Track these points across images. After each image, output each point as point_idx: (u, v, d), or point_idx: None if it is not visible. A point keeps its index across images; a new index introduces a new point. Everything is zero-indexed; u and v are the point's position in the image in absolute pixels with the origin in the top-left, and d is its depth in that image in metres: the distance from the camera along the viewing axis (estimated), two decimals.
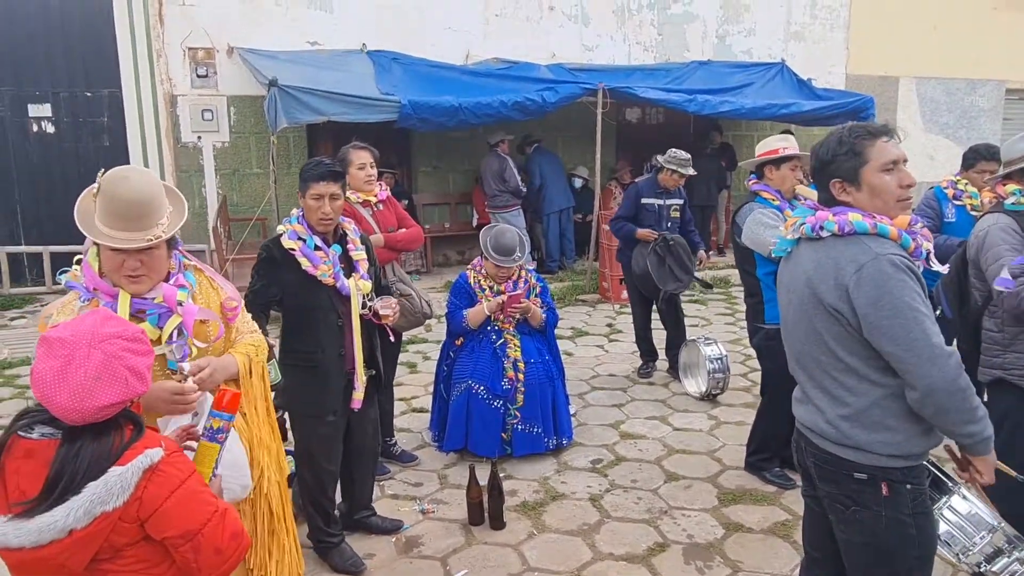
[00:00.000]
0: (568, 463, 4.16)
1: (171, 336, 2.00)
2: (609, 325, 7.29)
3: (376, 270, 3.23)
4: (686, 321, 5.78)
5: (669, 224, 5.45)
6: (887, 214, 1.87)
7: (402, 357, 6.19)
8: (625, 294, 6.36)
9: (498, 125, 8.38)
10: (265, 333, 2.55)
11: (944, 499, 2.01)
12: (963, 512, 1.99)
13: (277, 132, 7.15)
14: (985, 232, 2.74)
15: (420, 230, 4.08)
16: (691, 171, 5.48)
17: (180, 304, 2.01)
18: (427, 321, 4.14)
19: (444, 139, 9.29)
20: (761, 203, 3.67)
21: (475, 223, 9.62)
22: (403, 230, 3.94)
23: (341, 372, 3.01)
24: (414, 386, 5.53)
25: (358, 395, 3.05)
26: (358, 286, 2.99)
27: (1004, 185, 2.85)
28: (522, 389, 4.10)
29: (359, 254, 3.07)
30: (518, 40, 9.59)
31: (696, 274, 5.61)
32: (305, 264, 2.90)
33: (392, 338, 3.21)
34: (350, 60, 8.53)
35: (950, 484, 2.03)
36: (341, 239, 3.07)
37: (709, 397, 5.06)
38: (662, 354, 5.73)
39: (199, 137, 8.57)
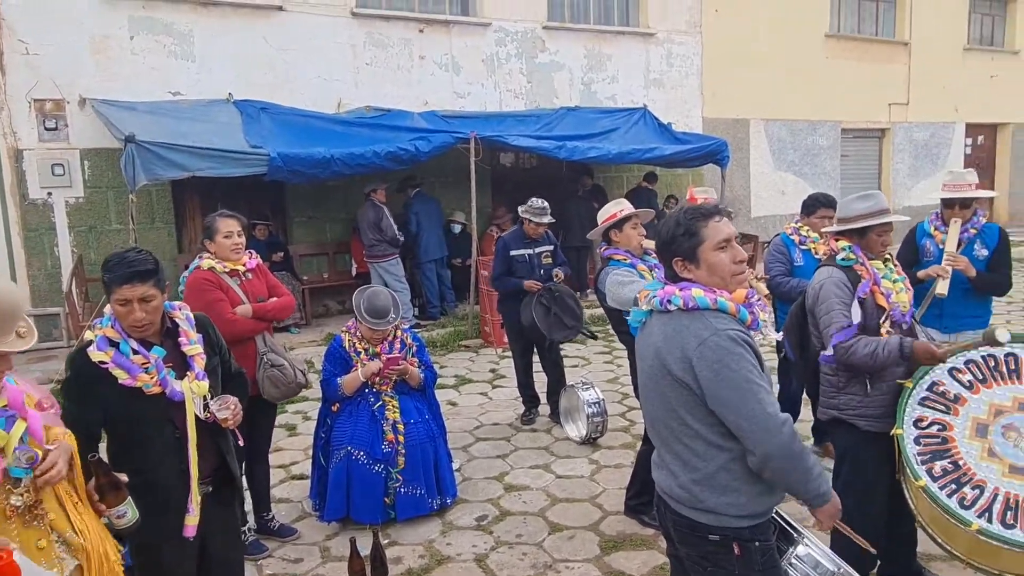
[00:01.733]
0: (453, 523, 4.14)
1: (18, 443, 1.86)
2: (492, 371, 7.36)
3: (221, 356, 2.79)
4: (566, 361, 5.93)
5: (543, 271, 5.59)
6: (725, 288, 2.03)
7: (281, 419, 6.00)
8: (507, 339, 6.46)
9: (372, 175, 8.37)
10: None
11: (791, 549, 2.18)
12: (807, 561, 2.16)
13: (136, 190, 6.81)
14: (820, 285, 3.00)
15: (291, 299, 3.99)
16: (547, 219, 5.58)
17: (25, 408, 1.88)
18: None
19: (319, 188, 9.16)
20: (615, 265, 3.90)
21: (354, 273, 9.49)
22: (274, 299, 3.85)
23: (185, 490, 2.51)
24: (293, 450, 5.35)
25: (191, 520, 2.51)
26: (193, 389, 2.50)
27: (836, 240, 3.13)
28: (403, 451, 4.07)
29: (193, 348, 2.57)
30: (390, 88, 9.66)
31: (584, 324, 5.71)
32: (122, 376, 2.41)
33: (241, 442, 2.87)
34: (215, 110, 8.29)
35: (795, 534, 2.20)
36: (169, 333, 2.57)
37: (590, 441, 5.20)
38: (545, 398, 5.84)
39: (49, 193, 8.02)
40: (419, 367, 4.27)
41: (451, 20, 10.16)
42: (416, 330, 8.69)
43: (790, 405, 4.80)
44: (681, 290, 2.01)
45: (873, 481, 3.03)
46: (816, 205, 4.54)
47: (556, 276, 5.55)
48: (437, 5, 10.22)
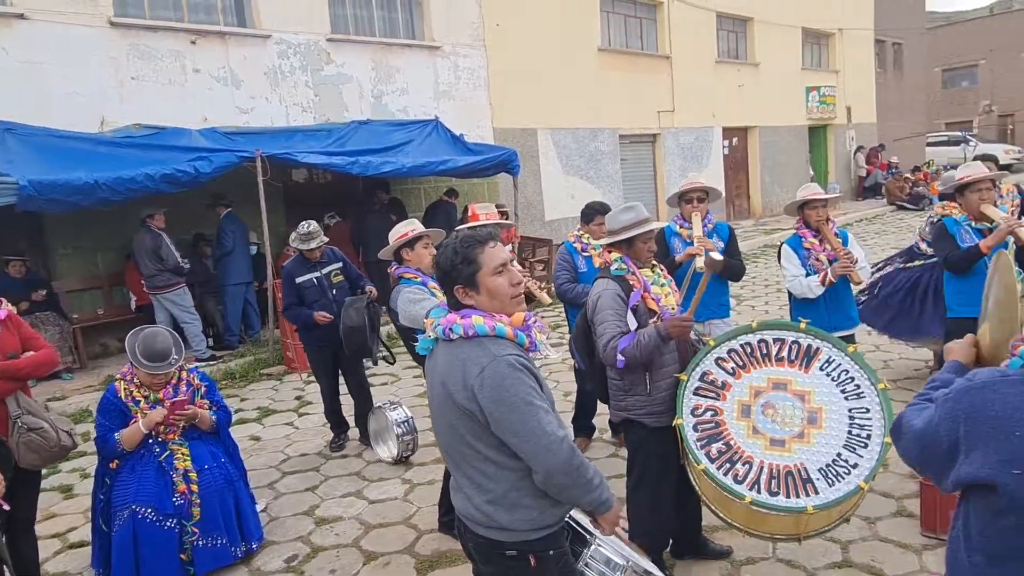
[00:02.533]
0: (260, 568, 3.91)
1: None
2: (298, 398, 7.06)
3: None
4: (375, 380, 5.80)
5: (335, 292, 5.44)
6: (505, 312, 2.09)
7: (54, 479, 5.34)
8: (311, 365, 6.20)
9: (148, 199, 7.67)
10: None
11: (585, 551, 2.30)
12: (599, 558, 2.30)
13: None
14: (597, 296, 3.20)
15: (51, 352, 3.50)
16: (313, 243, 5.35)
17: None
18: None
19: (84, 215, 8.23)
20: (406, 283, 3.92)
21: (134, 306, 8.66)
22: (29, 354, 3.38)
23: None
24: (71, 515, 4.77)
25: None
26: None
27: (610, 252, 3.36)
28: (197, 501, 3.76)
29: None
30: (162, 104, 8.92)
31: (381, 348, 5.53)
32: None
33: (7, 507, 2.47)
34: None
35: (588, 536, 2.33)
36: None
37: (402, 460, 5.15)
38: (353, 422, 5.70)
39: None
40: (210, 408, 3.98)
41: (226, 31, 9.61)
42: (212, 362, 8.22)
43: (589, 406, 5.09)
44: (462, 318, 2.04)
45: (663, 472, 3.29)
46: (592, 213, 4.83)
47: (370, 293, 5.44)
48: (210, 15, 9.62)
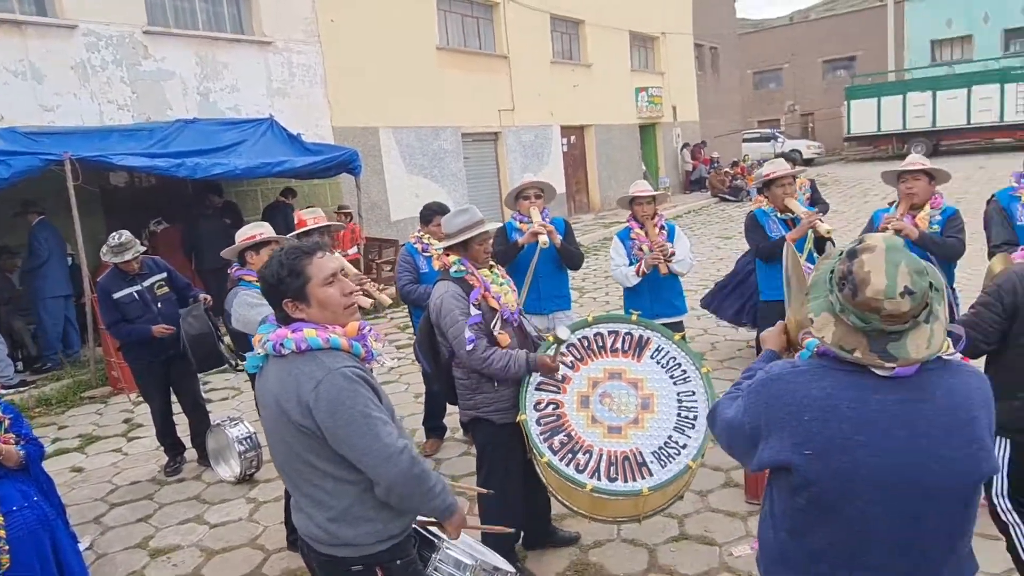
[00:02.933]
0: None
1: None
2: (127, 421, 6.52)
3: None
4: (215, 395, 5.47)
5: (160, 305, 5.05)
6: (338, 323, 2.05)
7: None
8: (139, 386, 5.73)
9: None
10: None
11: (434, 555, 2.31)
12: (449, 562, 2.32)
13: None
14: (440, 299, 3.22)
15: None
16: (128, 255, 4.92)
17: None
18: None
19: None
20: (245, 286, 3.76)
21: None
22: None
23: None
24: None
25: None
26: None
27: (448, 255, 3.38)
28: (6, 548, 3.37)
29: None
30: None
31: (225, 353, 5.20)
32: None
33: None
34: None
35: (436, 540, 2.34)
36: None
37: (246, 478, 4.91)
38: (190, 443, 5.35)
39: None
40: (16, 443, 3.57)
41: (23, 20, 8.63)
42: (22, 388, 7.39)
43: (438, 407, 5.11)
44: (293, 332, 1.98)
45: (510, 467, 3.37)
46: (431, 214, 4.84)
47: (206, 301, 5.10)
48: (3, 2, 8.60)
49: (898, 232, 3.91)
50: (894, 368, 1.49)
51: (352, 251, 10.19)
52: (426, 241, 4.86)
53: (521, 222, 4.68)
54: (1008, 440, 2.73)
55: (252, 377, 3.73)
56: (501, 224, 4.53)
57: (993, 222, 3.94)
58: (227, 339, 4.72)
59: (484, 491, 3.07)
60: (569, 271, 4.82)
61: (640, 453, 3.17)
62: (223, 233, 9.53)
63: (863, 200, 17.05)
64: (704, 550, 3.60)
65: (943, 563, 1.57)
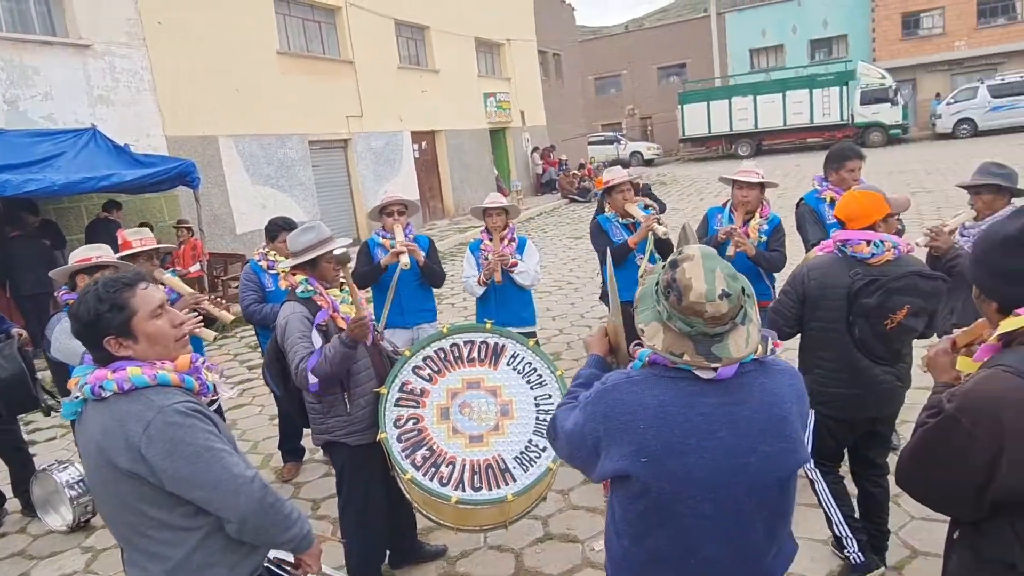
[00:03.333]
0: None
1: None
2: None
3: None
4: (39, 436, 4.93)
5: None
6: (169, 356, 1.90)
7: None
8: None
9: None
10: None
11: None
12: None
13: None
14: (285, 320, 3.08)
15: None
16: None
17: None
18: None
19: None
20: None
21: None
22: None
23: None
24: None
25: None
26: None
27: (294, 274, 3.24)
28: None
29: None
30: None
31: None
32: None
33: None
34: None
35: (291, 573, 2.23)
36: None
37: (81, 525, 4.47)
38: (12, 492, 4.81)
39: None
40: None
41: None
42: None
43: (294, 429, 4.91)
44: (114, 372, 1.82)
45: (372, 489, 3.29)
46: (277, 230, 4.64)
47: (20, 336, 4.56)
48: None
49: (738, 247, 4.23)
50: (718, 369, 1.60)
51: (194, 268, 9.59)
52: (271, 258, 4.65)
53: (384, 238, 4.61)
54: (812, 410, 3.08)
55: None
56: (356, 236, 4.43)
57: (807, 222, 4.35)
58: (46, 374, 4.28)
59: (337, 540, 2.96)
60: None
61: (503, 460, 3.20)
62: (42, 255, 8.67)
63: (699, 198, 18.26)
64: (568, 548, 3.70)
65: (767, 548, 1.70)
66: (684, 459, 1.60)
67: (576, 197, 21.32)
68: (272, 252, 4.65)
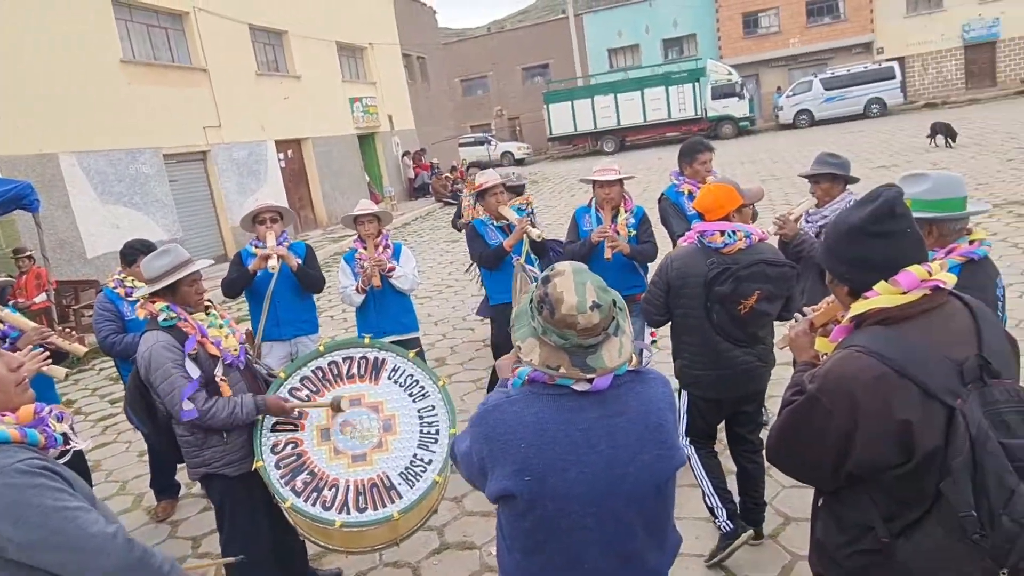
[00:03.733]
0: None
1: None
2: None
3: None
4: None
5: None
6: (9, 407, 1.73)
7: None
8: None
9: None
10: None
11: None
12: None
13: None
14: (149, 352, 2.87)
15: None
16: None
17: None
18: None
19: None
20: None
21: None
22: None
23: None
24: None
25: None
26: None
27: (153, 303, 3.02)
28: None
29: None
30: None
31: None
32: None
33: None
34: None
35: None
36: None
37: None
38: None
39: None
40: None
41: None
42: None
43: (167, 465, 4.60)
44: None
45: (256, 519, 3.14)
46: (135, 254, 4.32)
47: None
48: None
49: (613, 249, 4.34)
50: (593, 380, 1.64)
51: (39, 299, 8.81)
52: (129, 284, 4.33)
53: (257, 247, 4.42)
54: (685, 391, 3.30)
55: None
56: (224, 252, 4.22)
57: (670, 216, 4.56)
58: None
59: (229, 560, 2.81)
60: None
61: (387, 477, 3.14)
62: None
63: (571, 195, 18.76)
64: (466, 555, 3.69)
65: (651, 551, 1.76)
66: (566, 475, 1.62)
67: (450, 200, 21.30)
68: (130, 278, 4.33)
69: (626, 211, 4.59)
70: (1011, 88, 30.41)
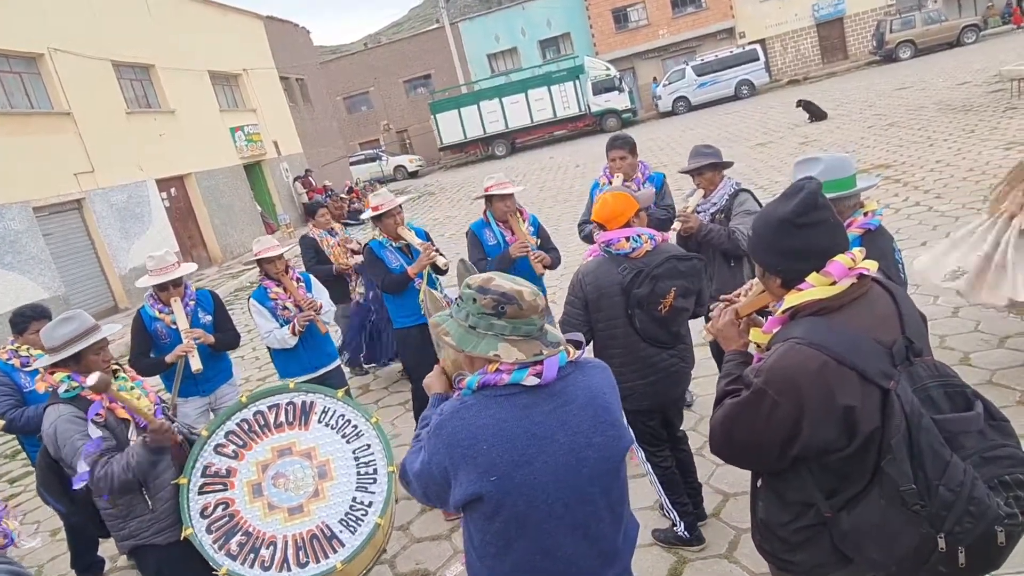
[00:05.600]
0: None
1: None
2: None
3: None
4: None
5: None
6: None
7: None
8: None
9: None
10: None
11: None
12: None
13: None
14: (53, 429, 2.71)
15: None
16: None
17: None
18: None
19: None
20: None
21: None
22: None
23: None
24: None
25: None
26: None
27: (52, 373, 2.84)
28: None
29: None
30: None
31: None
32: None
33: None
34: None
35: None
36: None
37: None
38: None
39: None
40: None
41: None
42: None
43: (88, 540, 4.31)
44: None
45: None
46: (26, 321, 4.07)
47: None
48: None
49: (542, 263, 4.40)
50: (542, 373, 1.70)
51: None
52: (25, 354, 4.04)
53: (162, 312, 4.15)
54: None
55: None
56: (113, 303, 3.97)
57: (587, 206, 4.72)
58: None
59: None
60: None
61: (327, 527, 3.04)
62: None
63: (469, 203, 18.79)
64: None
65: (615, 533, 1.83)
66: (531, 468, 1.67)
67: (349, 221, 20.88)
68: (24, 346, 4.05)
69: (523, 220, 4.63)
70: (861, 60, 32.78)
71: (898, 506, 1.59)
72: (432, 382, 2.11)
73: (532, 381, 1.69)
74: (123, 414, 2.85)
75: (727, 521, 3.57)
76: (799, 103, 17.90)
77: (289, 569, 2.90)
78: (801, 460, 1.72)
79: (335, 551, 2.98)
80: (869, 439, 1.62)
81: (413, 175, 33.14)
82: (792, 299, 1.73)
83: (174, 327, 4.14)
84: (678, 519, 3.29)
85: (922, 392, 1.61)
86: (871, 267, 1.75)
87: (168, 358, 4.05)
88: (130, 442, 2.84)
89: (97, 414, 2.75)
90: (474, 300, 1.73)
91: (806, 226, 1.71)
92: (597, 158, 21.34)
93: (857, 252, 1.74)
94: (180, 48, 18.54)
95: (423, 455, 1.79)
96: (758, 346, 1.87)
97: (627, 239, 3.04)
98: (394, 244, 4.61)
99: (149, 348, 4.19)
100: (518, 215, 4.60)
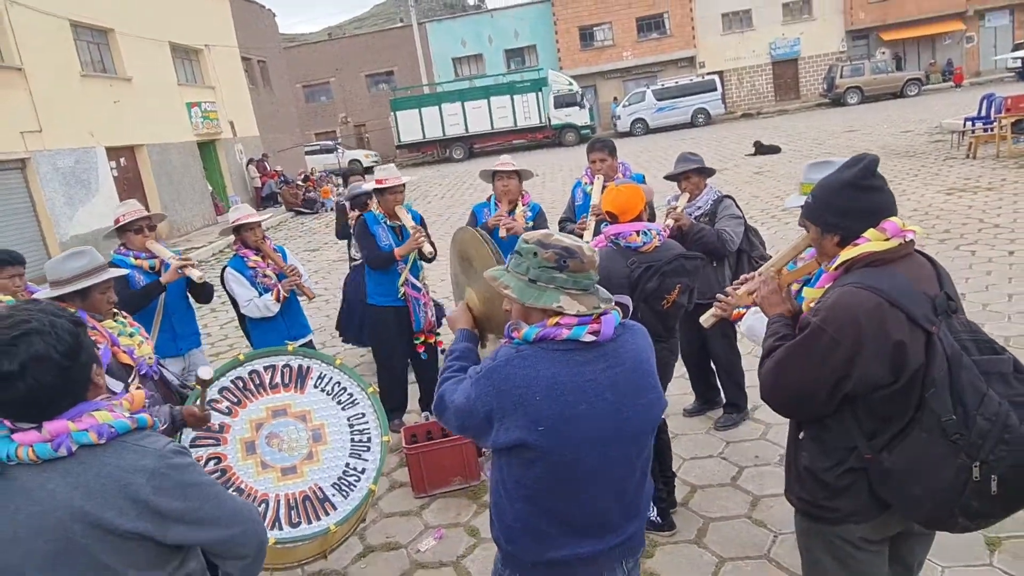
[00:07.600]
0: None
1: None
2: None
3: None
4: None
5: None
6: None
7: None
8: None
9: None
10: None
11: None
12: None
13: None
14: None
15: None
16: None
17: None
18: None
19: None
20: None
21: None
22: None
23: None
24: None
25: None
26: None
27: None
28: None
29: None
30: None
31: None
32: None
33: None
34: None
35: None
36: None
37: None
38: None
39: None
40: None
41: None
42: None
43: None
44: (77, 421, 1.50)
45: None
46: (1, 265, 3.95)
47: None
48: None
49: (510, 231, 4.52)
50: (600, 329, 1.79)
51: None
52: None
53: (137, 258, 4.07)
54: None
55: None
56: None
57: (567, 205, 4.95)
58: None
59: None
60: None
61: (320, 489, 3.08)
62: None
63: (426, 202, 18.80)
64: (392, 556, 3.69)
65: (640, 489, 1.95)
66: (578, 424, 1.76)
67: (303, 209, 20.64)
68: None
69: (523, 205, 4.79)
70: (811, 100, 34.21)
71: (938, 437, 1.76)
72: (457, 316, 2.23)
73: (589, 338, 1.78)
74: (126, 360, 2.82)
75: (696, 510, 3.73)
76: (756, 145, 18.71)
77: (281, 528, 2.92)
78: (846, 403, 1.88)
79: (327, 513, 3.01)
80: (914, 375, 1.80)
81: (368, 170, 32.83)
82: (849, 252, 1.91)
83: (152, 271, 4.08)
84: (652, 505, 3.43)
85: (959, 340, 1.81)
86: (918, 231, 1.94)
87: (165, 278, 4.00)
88: (129, 388, 2.81)
89: (108, 361, 2.71)
90: (534, 254, 1.80)
91: (868, 188, 1.91)
92: (554, 168, 21.66)
93: (899, 221, 1.93)
94: (143, 15, 18.00)
95: (469, 391, 1.84)
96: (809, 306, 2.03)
97: (638, 233, 3.16)
98: (388, 222, 4.69)
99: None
100: (520, 199, 4.80)
